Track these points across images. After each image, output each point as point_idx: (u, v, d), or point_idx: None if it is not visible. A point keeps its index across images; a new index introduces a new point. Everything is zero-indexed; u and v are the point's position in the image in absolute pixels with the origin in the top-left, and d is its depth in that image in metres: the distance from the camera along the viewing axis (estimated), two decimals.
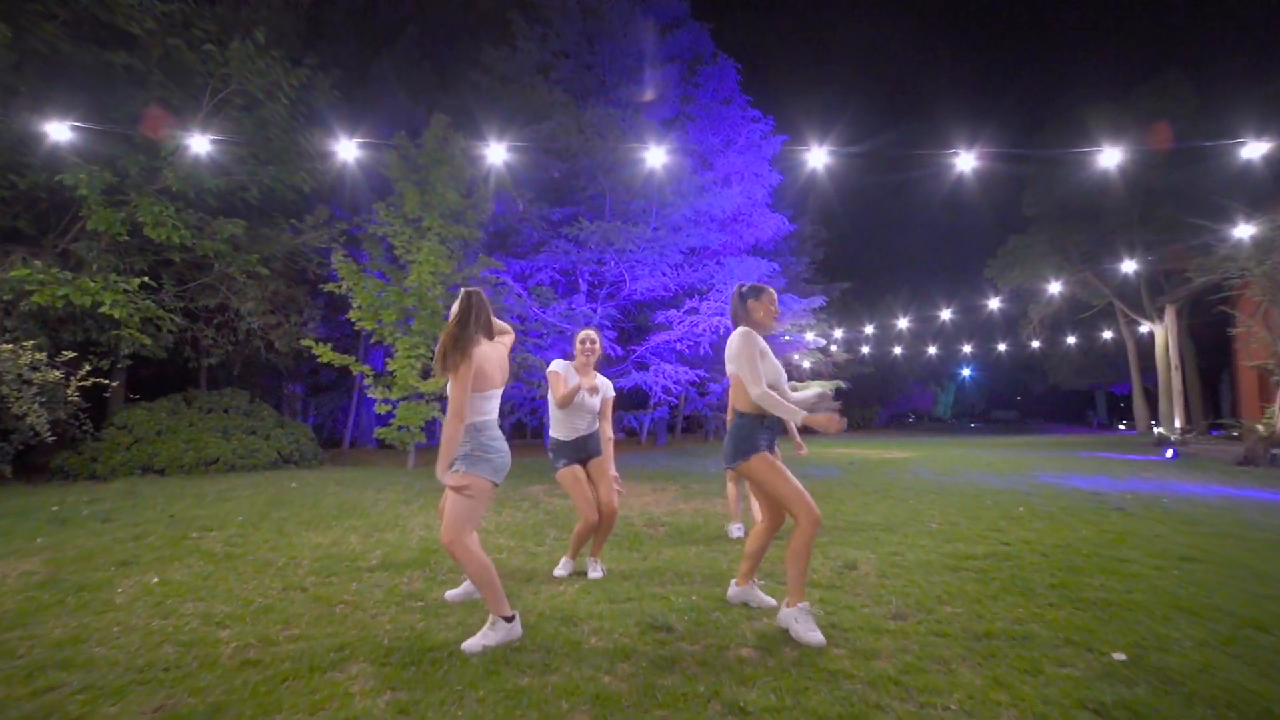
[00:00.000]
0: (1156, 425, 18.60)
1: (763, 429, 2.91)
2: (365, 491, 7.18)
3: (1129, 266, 15.17)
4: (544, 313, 12.48)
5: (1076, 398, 49.42)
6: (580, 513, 3.70)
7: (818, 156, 5.89)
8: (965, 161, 5.95)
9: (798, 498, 2.80)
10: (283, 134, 9.35)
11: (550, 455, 3.89)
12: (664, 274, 12.74)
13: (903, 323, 19.35)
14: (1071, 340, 24.53)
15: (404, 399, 10.23)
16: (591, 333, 3.91)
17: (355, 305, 9.96)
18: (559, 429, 3.81)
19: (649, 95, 13.66)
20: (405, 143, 10.59)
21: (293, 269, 10.32)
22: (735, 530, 5.06)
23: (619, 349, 13.02)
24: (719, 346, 14.27)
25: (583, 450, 3.80)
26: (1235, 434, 14.04)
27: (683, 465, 10.91)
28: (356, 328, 9.91)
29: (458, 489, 2.60)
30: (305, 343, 9.85)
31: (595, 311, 12.74)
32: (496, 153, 7.38)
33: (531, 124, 12.17)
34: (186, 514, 5.65)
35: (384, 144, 10.04)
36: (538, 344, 12.12)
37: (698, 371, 13.38)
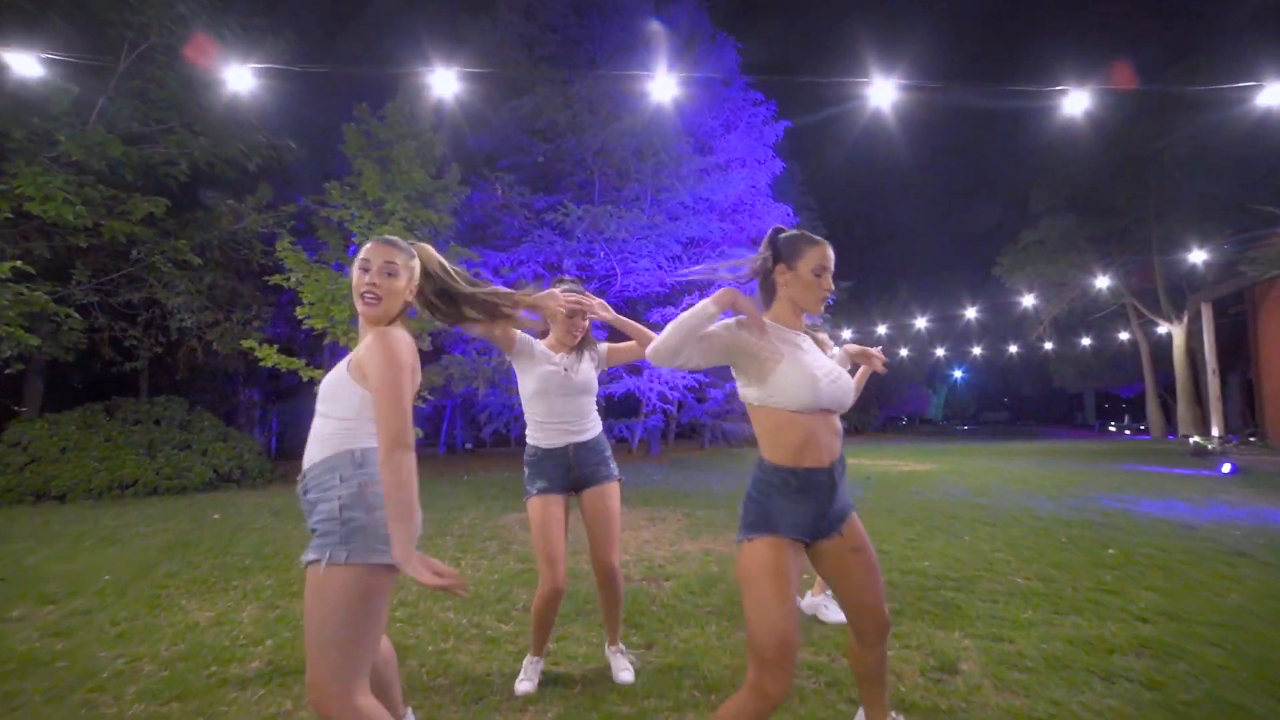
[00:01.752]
0: (1172, 431, 17.67)
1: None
2: (297, 529, 5.86)
3: (1147, 262, 14.17)
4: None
5: (1065, 399, 48.72)
6: (539, 575, 2.38)
7: (883, 91, 4.60)
8: (1075, 102, 4.72)
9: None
10: (219, 101, 8.00)
11: (525, 473, 2.53)
12: (660, 268, 11.49)
13: (921, 322, 18.28)
14: (1086, 341, 23.55)
15: None
16: (573, 286, 2.49)
17: (305, 300, 8.63)
18: (536, 432, 2.52)
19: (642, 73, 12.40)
20: (366, 115, 9.29)
21: (233, 259, 8.95)
22: (824, 610, 3.40)
23: None
24: None
25: (571, 469, 2.48)
26: (1251, 439, 13.05)
27: (681, 482, 9.67)
28: (305, 326, 8.58)
29: (451, 587, 1.32)
30: (246, 344, 8.50)
31: None
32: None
33: (512, 99, 10.88)
34: (39, 569, 4.31)
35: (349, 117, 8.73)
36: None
37: (696, 376, 12.14)
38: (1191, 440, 12.85)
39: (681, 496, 8.02)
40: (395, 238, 1.65)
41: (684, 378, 11.71)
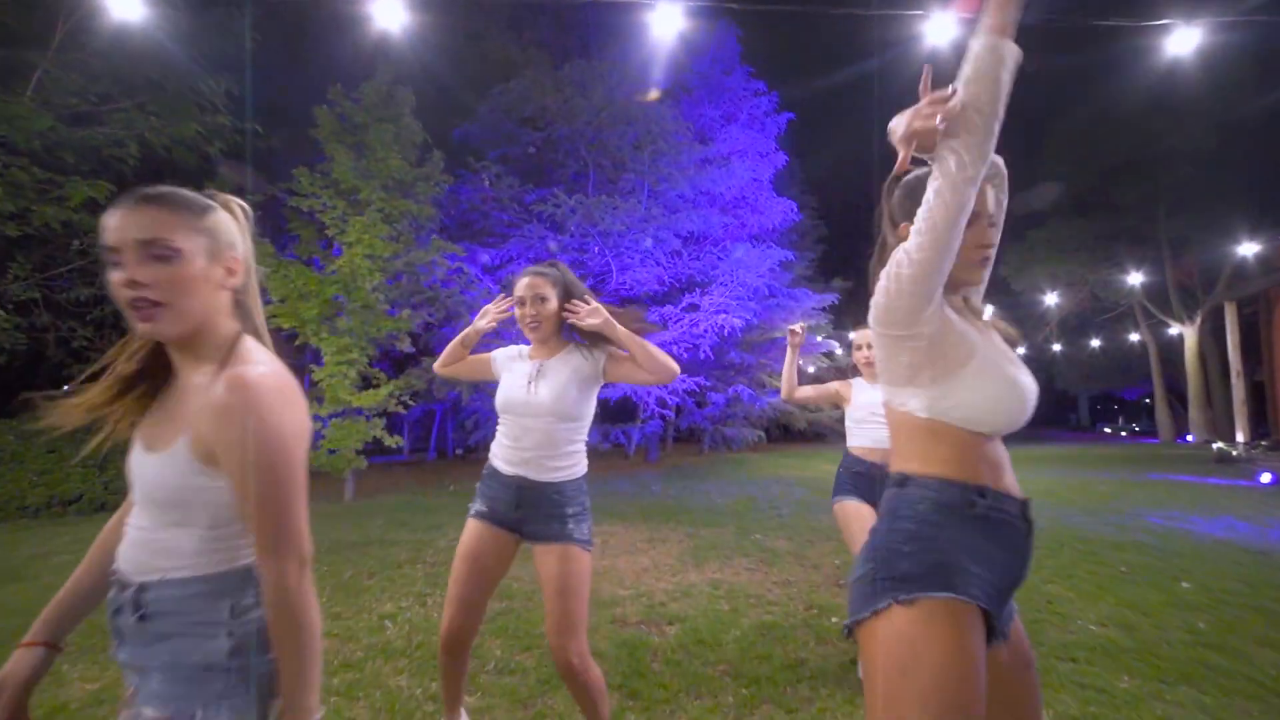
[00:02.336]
0: (1181, 435, 17.17)
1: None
2: None
3: (1158, 261, 13.57)
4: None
5: (1057, 400, 48.17)
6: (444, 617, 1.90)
7: (940, 27, 3.91)
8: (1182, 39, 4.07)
9: None
10: (175, 77, 7.29)
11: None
12: (658, 264, 10.80)
13: None
14: (1096, 343, 22.98)
15: (335, 415, 8.20)
16: (536, 279, 1.95)
17: (272, 297, 7.91)
18: (496, 445, 2.00)
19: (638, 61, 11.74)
20: (340, 96, 8.58)
21: None
22: None
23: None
24: (721, 349, 12.37)
25: (516, 504, 1.88)
26: (1263, 443, 12.45)
27: (682, 493, 8.97)
28: (272, 325, 7.85)
29: None
30: None
31: None
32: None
33: (499, 84, 10.18)
34: None
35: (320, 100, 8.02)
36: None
37: (696, 379, 11.44)
38: (1215, 446, 12.24)
39: (682, 511, 7.33)
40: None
41: (683, 381, 11.02)
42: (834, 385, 3.03)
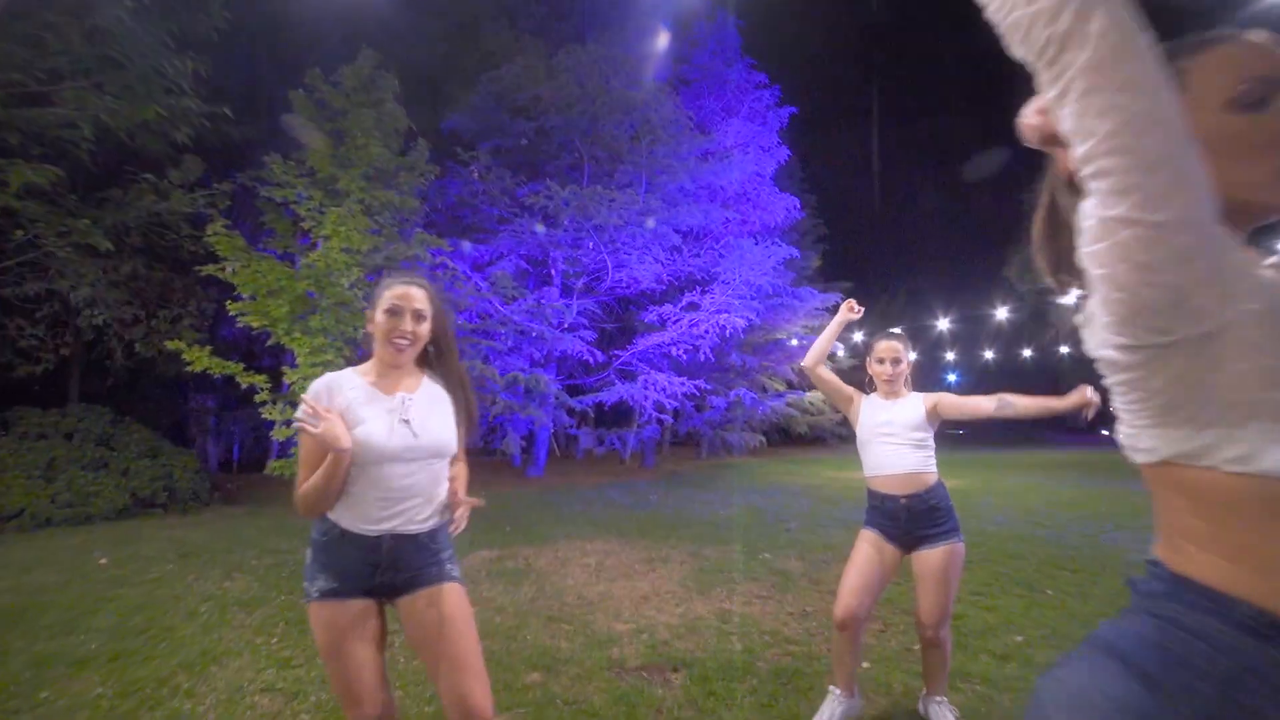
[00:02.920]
0: None
1: None
2: (199, 581, 4.55)
3: None
4: (507, 309, 9.94)
5: None
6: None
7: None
8: None
9: None
10: (137, 55, 6.72)
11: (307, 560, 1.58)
12: (657, 260, 10.27)
13: (944, 323, 17.22)
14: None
15: None
16: (417, 291, 1.62)
17: (242, 293, 7.35)
18: (345, 508, 1.56)
19: (636, 47, 11.23)
20: (319, 81, 8.04)
21: (159, 245, 7.63)
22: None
23: (599, 354, 10.52)
24: (721, 351, 11.85)
25: (380, 567, 1.54)
26: None
27: (682, 504, 8.44)
28: (240, 324, 7.29)
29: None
30: (172, 345, 7.20)
31: (570, 307, 10.19)
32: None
33: (489, 70, 9.64)
34: None
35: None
36: (494, 347, 9.52)
37: (696, 382, 10.91)
38: None
39: (683, 526, 6.80)
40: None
41: (682, 384, 10.49)
42: (849, 390, 2.66)
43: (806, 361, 2.62)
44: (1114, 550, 5.51)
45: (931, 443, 2.50)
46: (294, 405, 7.61)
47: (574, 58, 9.22)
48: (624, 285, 10.89)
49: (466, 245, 9.62)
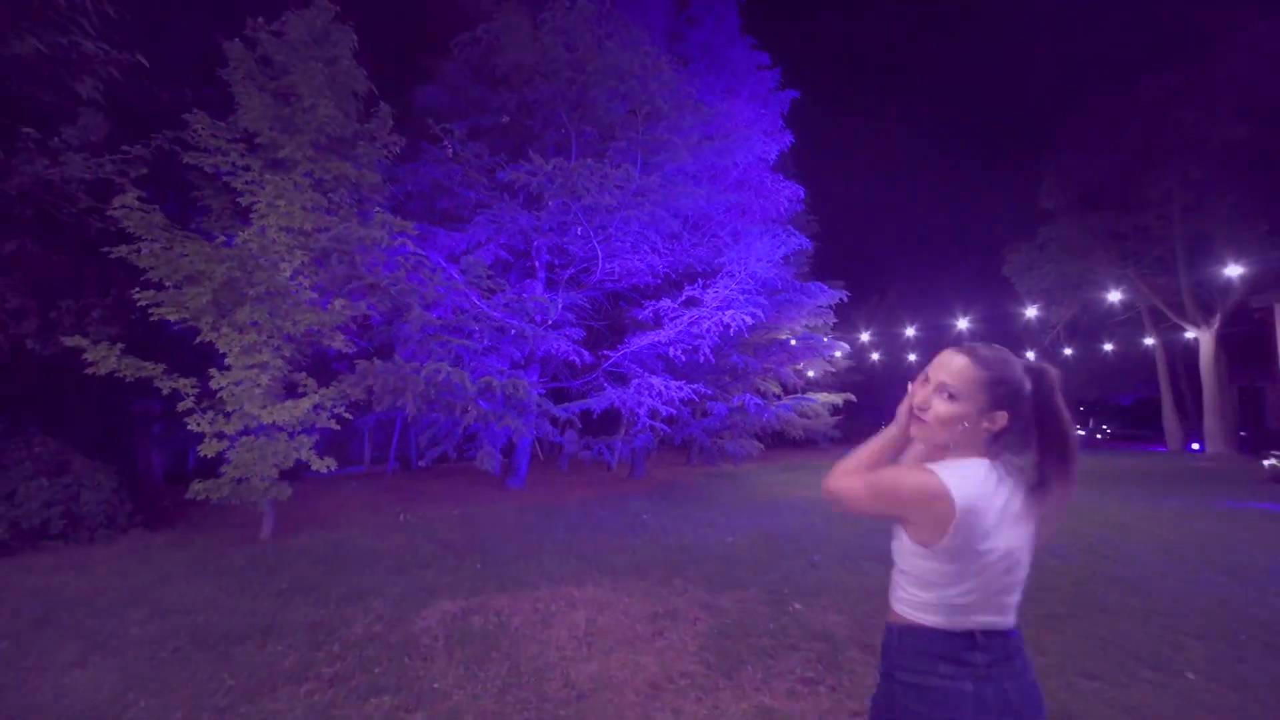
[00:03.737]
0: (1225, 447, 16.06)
1: None
2: (34, 674, 3.36)
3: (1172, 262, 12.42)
4: (484, 304, 8.78)
5: None
6: None
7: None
8: None
9: None
10: None
11: None
12: (654, 249, 9.18)
13: (963, 323, 16.37)
14: (1109, 347, 21.96)
15: (245, 433, 6.44)
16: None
17: (163, 280, 6.11)
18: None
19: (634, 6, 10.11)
20: (262, 29, 6.81)
21: (58, 220, 6.34)
22: None
23: (586, 355, 9.40)
24: (722, 352, 10.79)
25: None
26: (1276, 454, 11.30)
27: (680, 525, 7.34)
28: (154, 315, 6.06)
29: None
30: (72, 342, 5.96)
31: (556, 301, 9.02)
32: None
33: (464, 30, 8.46)
34: None
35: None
36: (469, 346, 8.32)
37: (695, 386, 9.82)
38: (1267, 464, 11.04)
39: (689, 561, 5.70)
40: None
41: (680, 389, 9.40)
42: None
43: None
44: (1225, 599, 4.50)
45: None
46: (226, 414, 6.41)
47: (563, 16, 8.08)
48: (615, 278, 9.77)
49: (441, 233, 8.45)
